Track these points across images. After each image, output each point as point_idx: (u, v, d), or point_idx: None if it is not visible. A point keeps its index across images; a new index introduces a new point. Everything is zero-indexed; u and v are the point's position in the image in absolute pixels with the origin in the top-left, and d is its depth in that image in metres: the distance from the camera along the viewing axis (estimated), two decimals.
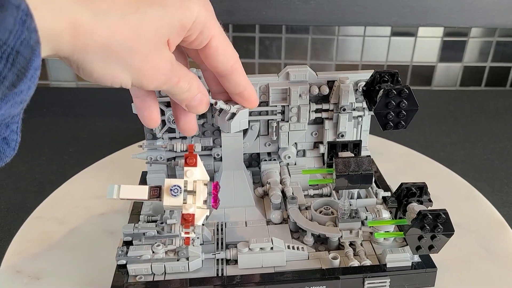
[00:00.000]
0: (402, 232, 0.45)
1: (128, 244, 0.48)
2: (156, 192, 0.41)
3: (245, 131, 0.56)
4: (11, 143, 0.31)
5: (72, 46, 0.30)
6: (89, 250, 0.53)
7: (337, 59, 0.98)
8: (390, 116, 0.47)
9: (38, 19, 0.27)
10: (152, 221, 0.52)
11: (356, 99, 0.56)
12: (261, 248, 0.46)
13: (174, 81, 0.37)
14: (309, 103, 0.55)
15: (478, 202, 0.61)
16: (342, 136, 0.57)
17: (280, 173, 0.59)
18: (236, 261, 0.47)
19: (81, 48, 0.31)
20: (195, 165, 0.41)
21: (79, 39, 0.30)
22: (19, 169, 0.70)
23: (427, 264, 0.46)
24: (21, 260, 0.52)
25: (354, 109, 0.56)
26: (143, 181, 0.60)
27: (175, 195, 0.40)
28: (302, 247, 0.48)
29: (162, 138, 0.56)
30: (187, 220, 0.39)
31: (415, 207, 0.46)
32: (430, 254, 0.46)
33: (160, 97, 0.52)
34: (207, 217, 0.46)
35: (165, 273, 0.46)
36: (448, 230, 0.43)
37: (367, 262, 0.46)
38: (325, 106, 0.57)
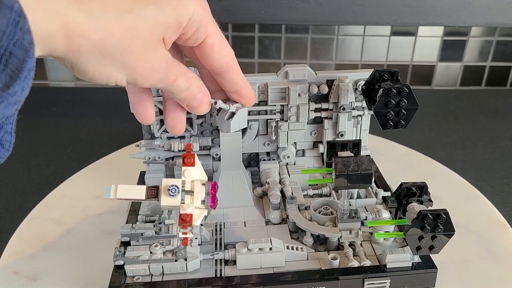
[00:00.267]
0: (402, 232, 0.44)
1: (125, 244, 0.47)
2: (154, 192, 0.40)
3: (244, 131, 0.56)
4: (5, 144, 0.30)
5: (66, 47, 0.30)
6: (87, 251, 0.53)
7: (337, 59, 0.98)
8: (390, 115, 0.47)
9: (32, 20, 0.26)
10: (150, 222, 0.52)
11: (355, 98, 0.55)
12: (260, 249, 0.46)
13: (171, 79, 0.37)
14: (308, 102, 0.55)
15: (479, 202, 0.61)
16: (342, 135, 0.57)
17: (279, 173, 0.58)
18: (234, 262, 0.46)
19: (75, 48, 0.31)
20: (193, 164, 0.41)
21: (73, 40, 0.30)
22: (17, 169, 0.70)
23: (427, 264, 0.46)
24: (18, 261, 0.51)
25: (353, 109, 0.56)
26: (141, 181, 0.60)
27: (173, 195, 0.40)
28: (302, 248, 0.48)
29: (160, 138, 0.56)
30: (185, 221, 0.39)
31: (415, 207, 0.46)
32: (430, 255, 0.46)
33: (158, 96, 0.52)
34: (205, 217, 0.45)
35: (163, 273, 0.46)
36: (449, 230, 0.43)
37: (367, 263, 0.46)
38: (324, 106, 0.56)
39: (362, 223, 0.50)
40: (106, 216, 0.58)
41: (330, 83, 0.55)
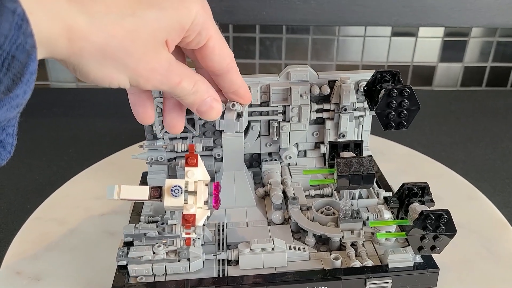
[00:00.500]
0: (404, 233, 0.44)
1: (128, 245, 0.48)
2: (157, 193, 0.41)
3: (246, 132, 0.56)
4: (6, 146, 0.30)
5: (68, 50, 0.30)
6: (89, 251, 0.53)
7: (338, 60, 0.98)
8: (392, 116, 0.47)
9: (34, 23, 0.26)
10: (153, 222, 0.52)
11: (357, 99, 0.56)
12: (262, 249, 0.46)
13: (174, 81, 0.37)
14: (310, 103, 0.55)
15: (480, 202, 0.61)
16: (343, 136, 0.57)
17: (281, 174, 0.59)
18: (237, 262, 0.47)
19: (77, 51, 0.31)
20: (196, 165, 0.41)
21: (75, 42, 0.30)
22: (19, 170, 0.70)
23: (429, 264, 0.46)
24: (21, 261, 0.51)
25: (355, 109, 0.56)
26: (143, 182, 0.60)
27: (176, 196, 0.40)
28: (304, 248, 0.48)
29: (163, 139, 0.56)
30: (188, 221, 0.39)
31: (417, 207, 0.46)
32: (432, 255, 0.46)
33: (160, 97, 0.52)
34: (208, 217, 0.46)
35: (166, 274, 0.46)
36: (450, 230, 0.43)
37: (369, 263, 0.46)
38: (326, 106, 0.56)
39: (364, 224, 0.50)
40: (108, 216, 0.58)
41: (331, 84, 0.55)
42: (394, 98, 0.46)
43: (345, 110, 0.55)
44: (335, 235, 0.48)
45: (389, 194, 0.55)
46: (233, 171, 0.53)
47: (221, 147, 0.54)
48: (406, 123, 0.48)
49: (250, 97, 0.45)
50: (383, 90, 0.47)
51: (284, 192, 0.55)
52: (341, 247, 0.49)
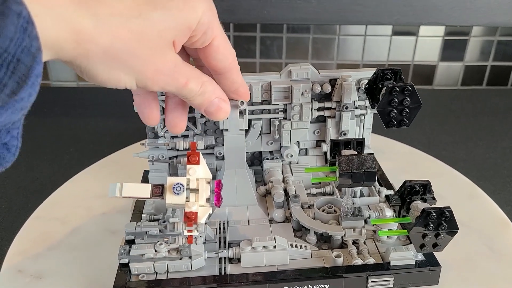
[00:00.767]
0: (406, 230, 0.44)
1: (130, 243, 0.48)
2: (159, 190, 0.40)
3: (247, 130, 0.56)
4: (11, 148, 0.30)
5: (74, 52, 0.30)
6: (91, 250, 0.53)
7: (338, 59, 0.98)
8: (393, 114, 0.47)
9: (39, 26, 0.26)
10: (155, 220, 0.52)
11: (358, 97, 0.56)
12: (264, 247, 0.46)
13: (181, 82, 0.37)
14: (312, 101, 0.55)
15: (481, 200, 0.61)
16: (345, 134, 0.57)
17: (282, 172, 0.59)
18: (239, 260, 0.47)
19: (83, 53, 0.31)
20: (197, 163, 0.41)
21: (81, 45, 0.30)
22: (20, 169, 0.70)
23: (431, 262, 0.46)
24: (23, 260, 0.51)
25: (356, 107, 0.56)
26: (145, 180, 0.60)
27: (178, 193, 0.40)
28: (305, 246, 0.48)
29: (164, 137, 0.56)
30: (190, 218, 0.39)
31: (419, 205, 0.46)
32: (434, 253, 0.46)
33: (162, 95, 0.52)
34: (209, 215, 0.46)
35: (168, 271, 0.46)
36: (452, 228, 0.43)
37: (371, 261, 0.46)
38: (327, 105, 0.56)
39: (366, 221, 0.50)
40: (110, 215, 0.58)
41: (333, 82, 0.55)
42: (396, 96, 0.46)
43: (347, 108, 0.55)
44: (336, 233, 0.48)
45: (391, 192, 0.55)
46: (235, 169, 0.53)
47: (223, 145, 0.54)
48: (408, 121, 0.48)
49: (249, 95, 0.45)
50: (385, 88, 0.47)
51: (285, 190, 0.55)
52: (343, 245, 0.49)
